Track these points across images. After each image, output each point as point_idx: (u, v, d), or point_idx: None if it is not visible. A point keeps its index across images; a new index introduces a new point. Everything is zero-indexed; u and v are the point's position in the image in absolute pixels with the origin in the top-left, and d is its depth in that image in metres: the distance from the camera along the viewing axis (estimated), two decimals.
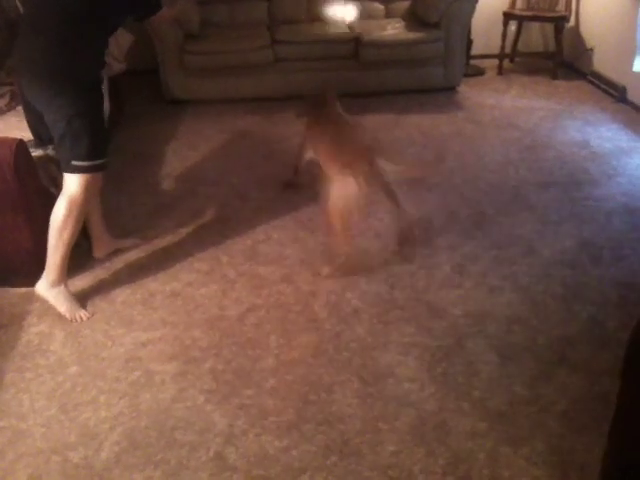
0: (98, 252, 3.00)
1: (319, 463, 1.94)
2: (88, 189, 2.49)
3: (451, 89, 5.16)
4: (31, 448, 2.01)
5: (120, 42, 3.92)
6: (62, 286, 2.59)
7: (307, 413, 2.13)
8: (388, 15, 5.30)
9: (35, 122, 2.56)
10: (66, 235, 2.49)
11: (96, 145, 2.45)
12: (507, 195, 3.51)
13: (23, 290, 2.74)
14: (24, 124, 2.72)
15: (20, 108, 3.20)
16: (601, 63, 5.23)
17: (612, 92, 4.97)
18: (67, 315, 2.58)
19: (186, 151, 4.17)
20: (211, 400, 2.19)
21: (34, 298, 2.69)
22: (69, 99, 2.36)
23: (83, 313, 2.60)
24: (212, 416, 2.12)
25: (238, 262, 2.95)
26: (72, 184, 2.46)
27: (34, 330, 2.54)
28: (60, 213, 2.47)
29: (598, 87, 5.18)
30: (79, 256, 2.76)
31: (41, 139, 2.65)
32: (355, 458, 1.96)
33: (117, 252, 3.02)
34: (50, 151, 2.71)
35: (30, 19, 2.44)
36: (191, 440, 2.03)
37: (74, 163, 2.43)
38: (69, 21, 2.34)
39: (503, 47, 5.53)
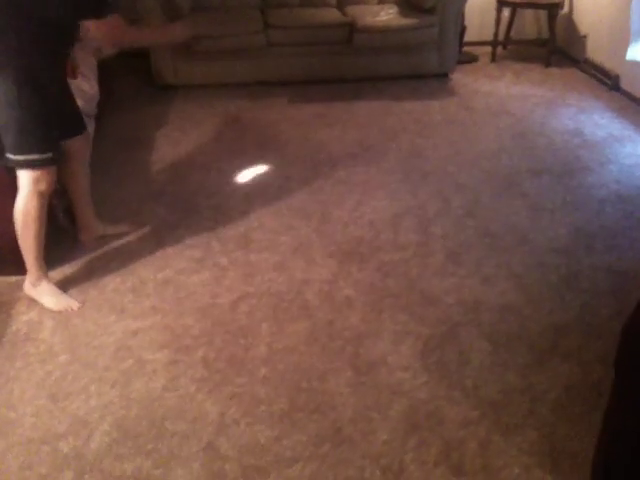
0: (84, 237, 2.95)
1: (311, 452, 1.94)
2: (37, 185, 2.38)
3: (444, 76, 5.13)
4: (21, 438, 1.99)
5: None
6: (44, 282, 2.56)
7: (299, 402, 2.12)
8: (382, 1, 5.24)
9: None
10: (29, 234, 2.44)
11: (25, 138, 2.32)
12: (501, 182, 3.50)
13: (12, 278, 2.71)
14: None
15: None
16: (595, 51, 5.21)
17: (605, 80, 4.95)
18: (57, 309, 2.54)
19: (177, 136, 4.13)
20: (202, 389, 2.17)
21: (23, 286, 2.66)
22: (3, 87, 2.25)
23: (72, 303, 2.56)
24: (204, 405, 2.11)
25: (230, 249, 2.93)
26: (21, 179, 2.39)
27: (23, 318, 2.51)
28: (18, 212, 2.41)
29: (591, 75, 5.17)
30: (66, 243, 2.73)
31: None
32: (347, 447, 1.95)
33: (107, 239, 2.98)
34: None
35: None
36: (182, 429, 2.02)
37: (8, 156, 2.34)
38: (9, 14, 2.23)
39: (496, 34, 5.50)
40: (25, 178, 2.39)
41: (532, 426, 2.02)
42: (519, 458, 1.91)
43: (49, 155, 2.40)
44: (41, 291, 2.56)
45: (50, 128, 2.41)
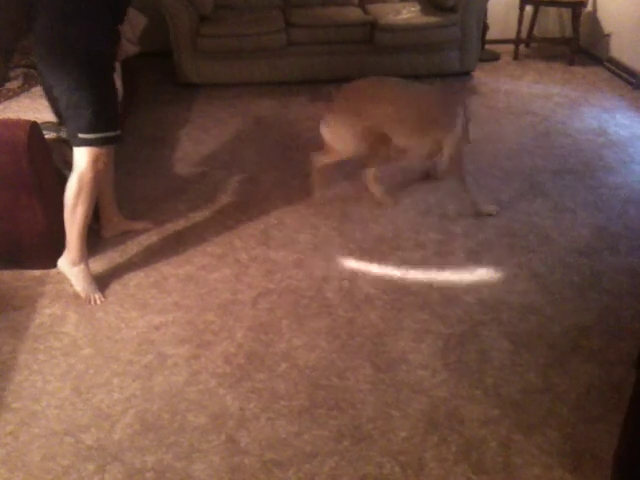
0: (106, 232, 3.00)
1: (330, 448, 1.95)
2: (96, 163, 2.45)
3: (466, 74, 5.10)
4: (44, 430, 2.03)
5: (134, 24, 3.91)
6: (82, 265, 2.59)
7: (319, 398, 2.13)
8: None
9: (54, 100, 2.55)
10: (79, 212, 2.49)
11: (100, 116, 2.40)
12: (522, 182, 3.48)
13: (36, 273, 2.75)
14: (37, 106, 2.73)
15: (34, 90, 3.21)
16: (618, 49, 5.15)
17: (629, 79, 4.90)
18: (82, 295, 2.59)
19: (199, 134, 4.16)
20: (223, 384, 2.19)
21: (47, 280, 2.70)
22: (69, 69, 2.32)
23: (98, 295, 2.60)
24: (224, 399, 2.13)
25: (251, 246, 2.95)
26: (80, 159, 2.44)
27: (47, 312, 2.55)
28: (71, 190, 2.46)
29: (615, 74, 5.11)
30: (90, 238, 2.76)
31: (61, 118, 2.64)
32: (366, 443, 1.96)
33: (129, 235, 3.02)
34: (63, 133, 2.71)
35: None
36: (203, 423, 2.04)
37: (80, 136, 2.40)
38: None
39: (519, 32, 5.46)
40: (85, 157, 2.44)
41: (553, 426, 2.01)
42: (540, 457, 1.90)
43: (119, 132, 2.52)
44: (77, 272, 2.59)
45: (116, 107, 2.54)
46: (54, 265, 2.63)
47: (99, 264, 2.83)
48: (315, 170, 3.27)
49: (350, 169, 3.63)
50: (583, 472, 1.87)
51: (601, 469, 1.85)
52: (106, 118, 2.45)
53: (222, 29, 4.73)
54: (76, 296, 2.60)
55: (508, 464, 1.89)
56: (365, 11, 4.98)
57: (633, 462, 1.66)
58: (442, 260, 2.83)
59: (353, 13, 4.94)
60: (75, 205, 2.47)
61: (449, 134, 3.04)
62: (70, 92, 2.34)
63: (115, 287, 2.69)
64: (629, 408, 1.63)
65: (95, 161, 2.45)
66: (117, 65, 3.77)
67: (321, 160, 3.22)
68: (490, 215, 3.15)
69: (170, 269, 2.80)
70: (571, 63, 5.38)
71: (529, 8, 5.46)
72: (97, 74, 2.40)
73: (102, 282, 2.70)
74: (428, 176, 3.53)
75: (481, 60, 5.21)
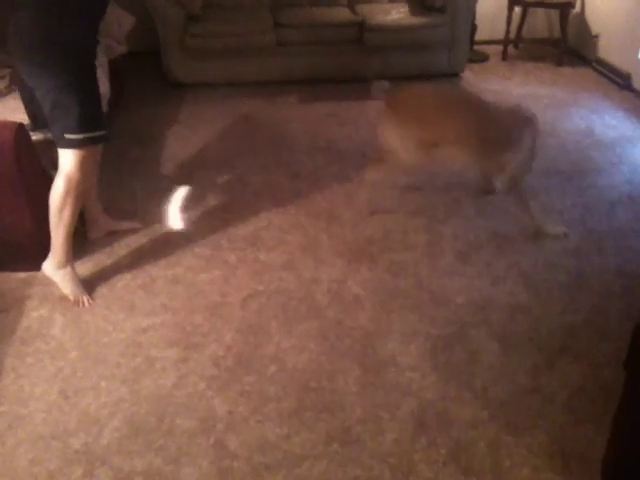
0: (92, 233, 2.97)
1: (320, 451, 1.94)
2: (84, 165, 2.43)
3: (455, 75, 5.11)
4: (31, 434, 2.01)
5: (121, 23, 3.89)
6: (68, 268, 2.57)
7: (308, 400, 2.12)
8: None
9: (30, 102, 2.52)
10: (66, 214, 2.46)
11: (87, 116, 2.38)
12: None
13: (23, 275, 2.72)
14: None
15: None
16: (606, 50, 5.18)
17: (617, 80, 4.93)
18: (71, 297, 2.56)
19: (187, 134, 4.14)
20: (212, 386, 2.18)
21: (35, 282, 2.68)
22: (55, 69, 2.29)
23: (87, 298, 2.58)
24: (213, 403, 2.11)
25: (239, 248, 2.94)
26: (67, 160, 2.41)
27: (34, 315, 2.53)
28: (58, 192, 2.43)
29: (603, 74, 5.14)
30: (77, 240, 2.73)
31: (36, 119, 2.61)
32: (356, 446, 1.96)
33: (116, 236, 3.00)
34: (50, 134, 2.68)
35: None
36: (192, 427, 2.03)
37: (67, 136, 2.37)
38: None
39: (508, 33, 5.48)
40: (72, 158, 2.40)
41: (542, 427, 2.01)
42: (529, 459, 1.91)
43: (105, 132, 2.49)
44: (63, 275, 2.57)
45: (101, 106, 2.51)
46: (41, 267, 2.60)
47: (86, 266, 2.81)
48: (368, 187, 3.18)
49: (338, 170, 3.63)
50: (572, 473, 1.87)
51: (590, 470, 1.86)
52: (92, 117, 2.42)
53: (211, 28, 4.71)
54: (63, 299, 2.58)
55: (497, 466, 1.89)
56: (354, 11, 4.97)
57: (623, 463, 1.66)
58: (431, 261, 2.83)
59: (342, 13, 4.93)
60: (62, 208, 2.45)
61: (512, 154, 2.84)
62: (57, 92, 2.31)
63: (102, 289, 2.67)
64: (618, 408, 1.64)
65: (83, 162, 2.42)
66: (105, 64, 3.76)
67: (374, 175, 3.13)
68: (557, 237, 2.98)
69: (158, 271, 2.78)
70: (559, 64, 5.40)
71: (517, 9, 5.48)
72: (83, 72, 2.37)
73: (89, 284, 2.68)
74: (487, 192, 3.29)
75: (470, 61, 5.22)
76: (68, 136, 2.37)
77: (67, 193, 2.43)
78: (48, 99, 2.33)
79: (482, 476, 1.86)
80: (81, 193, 2.48)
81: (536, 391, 2.15)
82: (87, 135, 2.39)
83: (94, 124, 2.42)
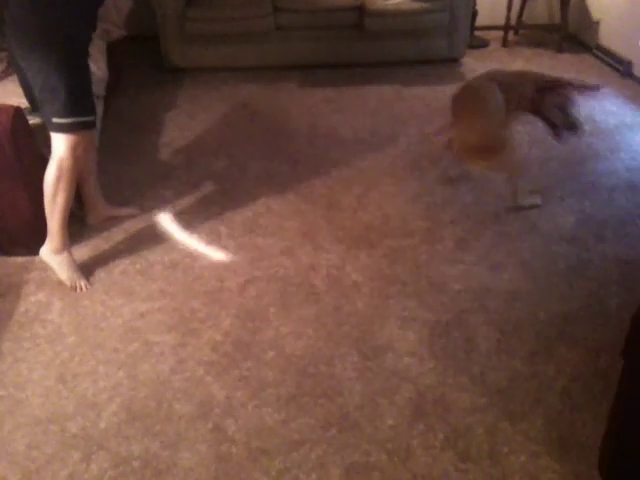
0: (91, 219, 2.96)
1: (318, 436, 1.95)
2: (75, 150, 2.41)
3: (455, 61, 5.08)
4: (29, 418, 2.01)
5: (119, 7, 3.85)
6: (65, 253, 2.56)
7: (306, 386, 2.12)
8: None
9: (28, 85, 2.50)
10: (60, 199, 2.45)
11: (75, 100, 2.35)
12: None
13: (21, 259, 2.72)
14: (21, 91, 2.68)
15: None
16: (607, 37, 5.15)
17: (617, 66, 4.90)
18: (68, 283, 2.56)
19: (185, 120, 4.11)
20: (210, 372, 2.18)
21: (32, 267, 2.67)
22: (46, 52, 2.27)
23: (84, 283, 2.58)
24: (211, 388, 2.12)
25: (238, 234, 2.93)
26: (58, 145, 2.40)
27: (32, 299, 2.52)
28: (51, 177, 2.42)
29: (603, 61, 5.11)
30: (75, 225, 2.73)
31: (34, 103, 2.59)
32: (354, 431, 1.96)
33: (114, 221, 2.99)
34: None
35: None
36: (190, 411, 2.03)
37: (55, 120, 2.35)
38: None
39: (508, 19, 5.43)
40: (63, 143, 2.39)
41: (539, 413, 2.02)
42: (526, 445, 1.91)
43: (94, 117, 2.47)
44: (61, 260, 2.56)
45: (91, 92, 2.49)
46: (39, 252, 2.59)
47: (84, 251, 2.80)
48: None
49: (337, 156, 3.61)
50: (569, 459, 1.88)
51: (587, 457, 1.86)
52: (81, 102, 2.40)
53: (209, 13, 4.67)
54: (61, 283, 2.57)
55: (494, 452, 1.90)
56: None
57: (620, 449, 1.67)
58: (430, 248, 2.82)
59: None
60: (55, 193, 2.44)
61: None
62: (45, 75, 2.29)
63: (100, 274, 2.66)
64: (616, 395, 1.64)
65: (74, 147, 2.40)
66: (103, 49, 3.73)
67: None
68: (534, 207, 3.10)
69: (156, 256, 2.78)
70: (560, 50, 5.36)
71: None
72: (73, 57, 2.35)
73: (87, 269, 2.67)
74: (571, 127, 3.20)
75: (470, 47, 5.18)
76: (56, 120, 2.35)
77: (59, 179, 2.42)
78: (38, 81, 2.32)
79: (479, 462, 1.87)
80: (73, 178, 2.47)
81: (533, 377, 2.15)
82: (75, 119, 2.37)
83: (82, 109, 2.40)
